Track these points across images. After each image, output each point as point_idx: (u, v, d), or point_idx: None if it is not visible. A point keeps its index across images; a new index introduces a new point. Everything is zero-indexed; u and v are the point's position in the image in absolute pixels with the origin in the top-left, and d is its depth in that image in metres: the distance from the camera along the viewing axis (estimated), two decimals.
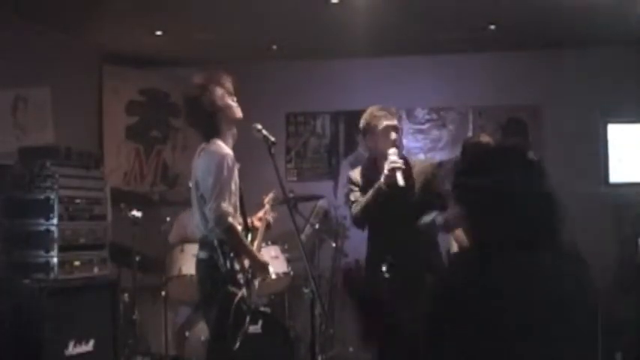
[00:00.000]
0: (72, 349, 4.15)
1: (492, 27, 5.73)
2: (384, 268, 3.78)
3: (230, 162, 3.56)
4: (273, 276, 5.09)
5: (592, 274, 1.94)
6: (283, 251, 5.41)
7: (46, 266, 4.16)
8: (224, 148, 3.61)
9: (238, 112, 3.70)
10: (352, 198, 4.02)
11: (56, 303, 4.10)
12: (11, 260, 4.25)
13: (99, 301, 4.41)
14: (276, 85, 6.76)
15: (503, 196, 1.87)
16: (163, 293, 5.28)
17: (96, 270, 4.43)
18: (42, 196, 4.20)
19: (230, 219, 3.51)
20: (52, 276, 4.16)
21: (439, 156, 6.56)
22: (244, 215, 3.77)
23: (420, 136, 6.67)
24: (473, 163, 2.02)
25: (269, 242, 5.10)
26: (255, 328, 4.31)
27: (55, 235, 4.18)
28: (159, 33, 5.77)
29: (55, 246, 4.18)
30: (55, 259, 4.17)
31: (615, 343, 5.24)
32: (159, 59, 6.55)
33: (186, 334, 5.16)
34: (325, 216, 6.20)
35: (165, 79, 6.72)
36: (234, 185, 3.61)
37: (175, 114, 6.61)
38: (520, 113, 6.58)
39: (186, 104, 3.79)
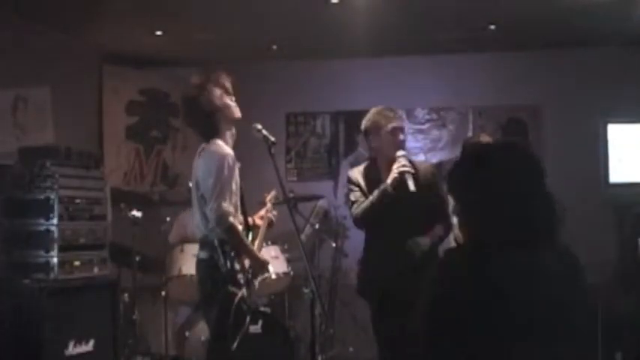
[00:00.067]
0: (72, 349, 4.15)
1: (492, 27, 5.73)
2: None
3: (230, 162, 3.57)
4: (273, 276, 5.11)
5: (585, 270, 1.94)
6: (283, 251, 5.41)
7: (46, 266, 4.16)
8: (224, 147, 3.62)
9: (237, 112, 3.70)
10: (352, 198, 3.99)
11: (56, 303, 4.10)
12: (11, 260, 4.25)
13: (99, 301, 4.41)
14: (276, 85, 6.76)
15: (498, 193, 1.88)
16: (163, 293, 5.28)
17: (96, 270, 4.43)
18: (42, 196, 4.20)
19: (231, 218, 3.52)
20: (52, 276, 4.16)
21: (439, 156, 6.56)
22: (245, 214, 3.77)
23: (420, 136, 6.66)
24: (468, 160, 2.03)
25: (269, 242, 5.10)
26: (255, 328, 4.31)
27: (55, 235, 4.18)
28: (159, 33, 5.77)
29: (55, 246, 4.17)
30: (55, 259, 4.17)
31: (615, 342, 5.24)
32: (159, 59, 6.55)
33: (186, 334, 5.16)
34: (325, 216, 6.20)
35: (165, 79, 6.72)
36: (235, 185, 3.61)
37: (175, 114, 6.61)
38: (520, 113, 6.58)
39: (184, 104, 3.79)
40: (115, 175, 6.28)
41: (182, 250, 5.20)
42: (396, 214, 3.84)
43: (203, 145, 3.68)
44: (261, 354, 4.21)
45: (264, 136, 3.59)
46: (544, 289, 1.82)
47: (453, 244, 4.57)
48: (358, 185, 4.00)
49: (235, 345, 3.47)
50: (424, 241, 3.86)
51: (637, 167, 6.07)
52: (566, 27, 5.74)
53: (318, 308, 3.69)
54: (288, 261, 5.38)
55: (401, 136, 3.95)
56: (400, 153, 3.88)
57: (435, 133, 6.69)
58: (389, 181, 3.84)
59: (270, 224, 3.96)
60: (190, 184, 3.85)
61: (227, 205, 3.51)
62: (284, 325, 4.97)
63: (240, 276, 3.56)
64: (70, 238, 4.26)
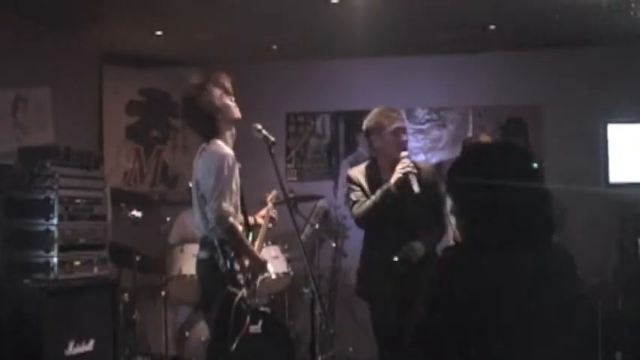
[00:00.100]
0: (72, 349, 4.15)
1: (492, 27, 5.73)
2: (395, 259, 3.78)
3: (231, 162, 3.57)
4: (273, 276, 5.11)
5: (578, 268, 1.94)
6: (283, 251, 5.41)
7: (46, 266, 4.17)
8: (224, 148, 3.62)
9: (237, 112, 3.70)
10: (353, 198, 3.98)
11: (56, 303, 4.10)
12: (11, 260, 4.25)
13: (99, 301, 4.42)
14: (276, 85, 6.75)
15: (496, 193, 1.88)
16: (163, 293, 5.28)
17: (96, 270, 4.43)
18: (42, 196, 4.20)
19: (231, 219, 3.52)
20: (52, 276, 4.16)
21: (439, 156, 6.56)
22: (245, 214, 3.77)
23: (420, 136, 6.66)
24: (466, 160, 2.03)
25: (269, 242, 5.10)
26: (255, 328, 4.31)
27: (55, 235, 4.19)
28: (159, 33, 5.77)
29: (55, 246, 4.18)
30: (55, 259, 4.18)
31: (615, 342, 5.24)
32: (159, 59, 6.55)
33: (186, 334, 5.16)
34: (325, 216, 6.20)
35: (165, 79, 6.72)
36: (235, 185, 3.61)
37: (175, 114, 6.60)
38: (520, 113, 6.57)
39: (184, 105, 3.78)
40: (115, 175, 6.28)
41: (182, 250, 5.20)
42: (398, 214, 3.85)
43: (203, 145, 3.68)
44: (261, 354, 4.21)
45: (264, 136, 3.60)
46: (541, 289, 1.83)
47: (451, 243, 4.58)
48: (359, 185, 3.99)
49: (235, 346, 3.47)
50: (419, 246, 3.86)
51: (637, 167, 6.07)
52: (566, 27, 5.73)
53: (318, 308, 3.69)
54: (288, 261, 5.38)
55: (404, 137, 3.96)
56: (404, 154, 3.89)
57: (435, 133, 6.69)
58: (392, 181, 3.84)
59: (272, 221, 3.97)
60: (190, 184, 3.85)
61: (227, 206, 3.51)
62: (284, 325, 4.97)
63: (240, 276, 3.56)
64: (70, 238, 4.27)
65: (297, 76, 6.77)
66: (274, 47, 6.29)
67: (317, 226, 5.91)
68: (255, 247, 3.79)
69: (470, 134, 6.36)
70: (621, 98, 6.08)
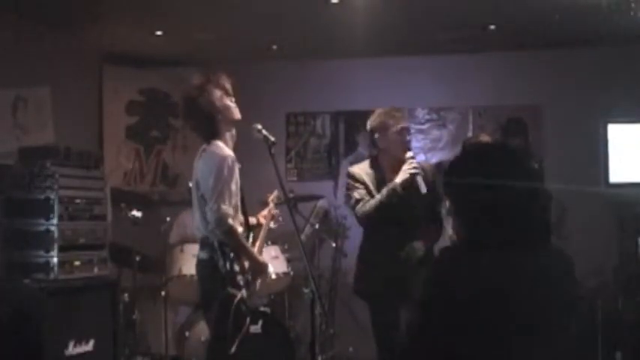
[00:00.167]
0: (72, 349, 4.15)
1: (492, 27, 5.73)
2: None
3: (230, 163, 3.57)
4: (273, 276, 5.11)
5: (577, 269, 1.94)
6: (283, 251, 5.41)
7: (46, 266, 4.17)
8: (224, 149, 3.62)
9: (237, 113, 3.70)
10: (357, 196, 3.95)
11: (56, 303, 4.10)
12: (11, 260, 4.25)
13: (99, 301, 4.42)
14: (276, 85, 6.75)
15: (493, 194, 1.88)
16: (163, 293, 5.28)
17: (96, 270, 4.43)
18: (42, 196, 4.20)
19: (230, 220, 3.52)
20: (52, 276, 4.16)
21: (439, 156, 6.56)
22: (246, 215, 3.77)
23: (420, 136, 6.65)
24: (464, 161, 2.03)
25: (269, 242, 5.10)
26: (255, 328, 4.31)
27: (55, 235, 4.19)
28: (159, 33, 5.77)
29: (55, 246, 4.18)
30: (55, 259, 4.18)
31: (615, 342, 5.24)
32: (159, 59, 6.55)
33: (186, 334, 5.16)
34: (325, 216, 6.20)
35: (165, 79, 6.72)
36: (235, 186, 3.61)
37: (175, 114, 6.60)
38: (520, 113, 6.57)
39: (184, 105, 3.78)
40: (115, 175, 6.28)
41: (182, 250, 5.21)
42: (401, 214, 3.85)
43: (204, 146, 3.68)
44: (261, 354, 4.21)
45: (265, 137, 3.60)
46: (537, 289, 1.83)
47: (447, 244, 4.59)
48: (363, 182, 3.97)
49: (234, 347, 3.47)
50: (419, 246, 3.87)
51: (637, 167, 6.07)
52: (566, 27, 5.73)
53: (318, 308, 3.69)
54: (288, 261, 5.39)
55: (408, 137, 3.97)
56: (409, 154, 3.89)
57: (435, 133, 6.69)
58: (399, 180, 3.84)
59: (275, 219, 3.98)
60: (190, 185, 3.85)
61: (226, 207, 3.51)
62: (284, 325, 4.97)
63: (239, 277, 3.57)
64: (70, 238, 4.27)
65: (297, 76, 6.77)
66: (274, 47, 6.29)
67: (317, 226, 5.91)
68: (256, 248, 3.80)
69: (470, 134, 6.36)
70: (621, 98, 6.08)
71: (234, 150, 3.68)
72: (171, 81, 6.63)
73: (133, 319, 5.15)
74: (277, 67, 6.72)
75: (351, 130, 6.78)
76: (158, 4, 5.15)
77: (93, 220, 4.45)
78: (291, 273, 5.36)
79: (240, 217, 3.70)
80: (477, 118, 6.63)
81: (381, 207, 3.86)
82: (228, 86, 3.70)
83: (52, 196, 4.19)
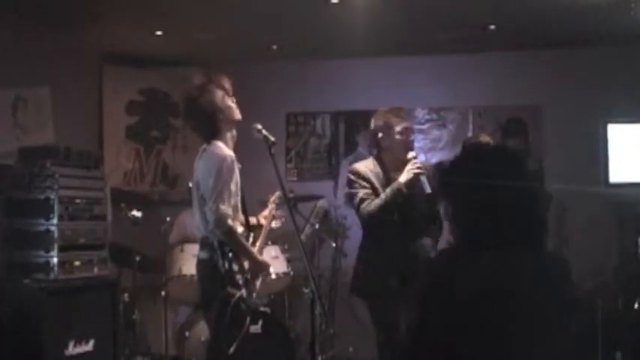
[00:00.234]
0: (72, 349, 4.15)
1: (492, 27, 5.73)
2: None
3: (230, 163, 3.57)
4: (273, 276, 5.11)
5: (576, 270, 1.94)
6: (283, 251, 5.41)
7: (46, 266, 4.17)
8: (224, 149, 3.62)
9: (237, 114, 3.71)
10: (362, 194, 3.92)
11: (56, 303, 4.10)
12: (11, 260, 4.25)
13: (99, 301, 4.41)
14: (276, 85, 6.75)
15: (489, 196, 1.88)
16: (163, 293, 5.28)
17: (96, 270, 4.43)
18: (42, 196, 4.20)
19: (229, 221, 3.52)
20: (52, 276, 4.16)
21: (439, 156, 6.56)
22: (246, 215, 3.77)
23: (420, 136, 6.65)
24: (461, 163, 2.03)
25: (269, 242, 5.10)
26: (255, 328, 4.31)
27: (55, 235, 4.19)
28: (159, 33, 5.77)
29: (55, 246, 4.18)
30: (55, 259, 4.17)
31: (615, 342, 5.24)
32: (159, 59, 6.55)
33: (186, 334, 5.16)
34: (325, 216, 6.20)
35: (165, 79, 6.72)
36: (235, 186, 3.62)
37: (175, 114, 6.61)
38: (520, 113, 6.57)
39: (185, 105, 3.78)
40: (115, 175, 6.28)
41: (182, 250, 5.21)
42: (404, 213, 3.86)
43: (204, 146, 3.69)
44: (261, 354, 4.21)
45: (265, 136, 3.60)
46: (532, 292, 1.83)
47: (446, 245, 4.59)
48: (368, 180, 3.95)
49: (234, 347, 3.47)
50: (428, 243, 3.89)
51: (637, 167, 6.07)
52: (566, 27, 5.74)
53: (318, 308, 3.69)
54: (288, 261, 5.39)
55: (411, 137, 3.97)
56: (412, 154, 3.89)
57: (435, 133, 6.69)
58: (403, 180, 3.83)
59: (277, 220, 3.99)
60: (190, 185, 3.86)
61: (225, 208, 3.51)
62: (284, 325, 4.97)
63: (238, 277, 3.57)
64: (70, 238, 4.27)
65: (297, 76, 6.77)
66: (274, 47, 6.29)
67: (317, 226, 5.91)
68: (257, 248, 3.80)
69: (470, 134, 6.36)
70: (621, 98, 6.08)
71: (235, 150, 3.68)
72: (171, 81, 6.63)
73: (133, 319, 5.15)
74: (277, 67, 6.72)
75: (351, 130, 6.78)
76: (158, 4, 5.15)
77: (93, 220, 4.45)
78: (291, 273, 5.36)
79: (241, 217, 3.70)
80: (477, 118, 6.63)
81: (385, 207, 3.86)
82: (229, 87, 3.71)
83: (52, 196, 4.19)
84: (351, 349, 5.89)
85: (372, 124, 4.03)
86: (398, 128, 3.93)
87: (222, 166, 3.54)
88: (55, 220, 4.19)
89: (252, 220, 3.86)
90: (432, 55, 6.55)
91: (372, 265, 4.00)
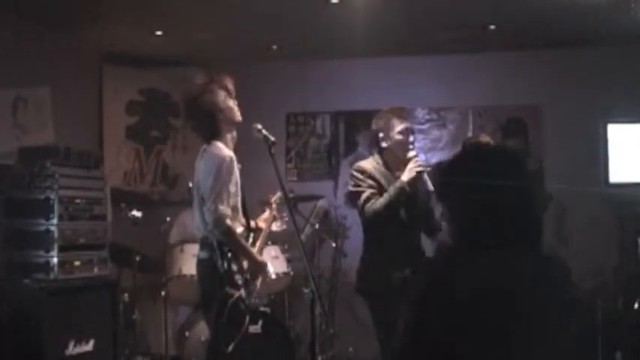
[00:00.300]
0: (72, 349, 4.15)
1: (492, 27, 5.73)
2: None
3: (229, 164, 3.57)
4: (273, 276, 5.11)
5: (576, 270, 1.94)
6: (283, 251, 5.41)
7: (46, 266, 4.17)
8: (224, 149, 3.62)
9: (238, 116, 3.71)
10: (367, 193, 3.88)
11: (56, 303, 4.10)
12: (11, 260, 4.25)
13: (99, 301, 4.42)
14: (276, 85, 6.75)
15: (486, 197, 1.88)
16: (163, 293, 5.28)
17: (96, 270, 4.43)
18: (42, 196, 4.20)
19: (228, 221, 3.52)
20: (52, 276, 4.16)
21: (439, 156, 6.56)
22: (246, 215, 3.77)
23: (420, 136, 6.64)
24: (457, 162, 2.03)
25: (269, 242, 5.10)
26: (255, 328, 4.31)
27: (55, 235, 4.19)
28: (159, 33, 5.77)
29: (55, 246, 4.18)
30: (55, 259, 4.18)
31: (615, 342, 5.24)
32: (159, 59, 6.55)
33: (186, 334, 5.16)
34: (325, 216, 6.20)
35: (165, 79, 6.72)
36: (235, 186, 3.62)
37: (175, 114, 6.61)
38: (520, 113, 6.57)
39: (186, 104, 3.79)
40: (115, 175, 6.28)
41: (182, 250, 5.21)
42: (406, 212, 3.87)
43: (204, 146, 3.69)
44: (261, 354, 4.21)
45: (265, 136, 3.59)
46: (531, 292, 1.82)
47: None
48: (373, 178, 3.93)
49: (232, 346, 3.47)
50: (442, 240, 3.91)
51: (637, 167, 6.07)
52: (566, 27, 5.74)
53: (318, 308, 3.69)
54: (288, 261, 5.39)
55: (412, 137, 3.98)
56: (412, 153, 3.90)
57: (435, 133, 6.69)
58: (405, 178, 3.84)
59: (278, 220, 3.99)
60: (190, 185, 3.86)
61: (224, 208, 3.51)
62: (284, 325, 4.97)
63: (237, 277, 3.57)
64: (70, 238, 4.27)
65: (297, 76, 6.77)
66: (274, 47, 6.29)
67: (317, 226, 5.91)
68: (256, 249, 3.80)
69: (470, 134, 6.36)
70: (621, 98, 6.08)
71: (235, 150, 3.68)
72: (171, 81, 6.63)
73: (133, 319, 5.15)
74: (277, 67, 6.72)
75: (351, 130, 6.78)
76: (158, 4, 5.15)
77: (93, 220, 4.45)
78: (291, 273, 5.37)
79: (241, 218, 3.70)
80: (477, 118, 6.63)
81: (390, 205, 3.86)
82: (231, 87, 3.71)
83: (52, 196, 4.19)
84: (351, 349, 5.89)
85: (374, 124, 4.03)
86: (399, 128, 3.93)
87: (222, 167, 3.54)
88: (55, 220, 4.19)
89: (251, 223, 3.85)
90: (432, 55, 6.55)
91: (373, 265, 4.00)
